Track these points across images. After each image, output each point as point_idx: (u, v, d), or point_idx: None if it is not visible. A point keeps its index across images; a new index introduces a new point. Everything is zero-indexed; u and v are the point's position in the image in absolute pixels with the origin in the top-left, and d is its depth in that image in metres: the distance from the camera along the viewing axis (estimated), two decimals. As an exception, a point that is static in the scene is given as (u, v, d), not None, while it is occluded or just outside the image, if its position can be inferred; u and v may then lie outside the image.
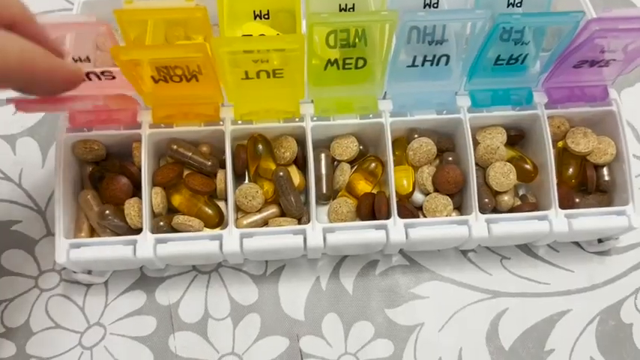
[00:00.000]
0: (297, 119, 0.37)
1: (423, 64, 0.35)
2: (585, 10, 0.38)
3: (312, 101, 0.37)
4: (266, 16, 0.35)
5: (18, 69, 0.24)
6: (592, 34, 0.31)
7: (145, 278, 0.39)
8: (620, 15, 0.32)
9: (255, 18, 0.35)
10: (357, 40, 0.33)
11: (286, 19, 0.37)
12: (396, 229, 0.35)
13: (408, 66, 0.35)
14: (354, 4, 0.36)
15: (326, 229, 0.35)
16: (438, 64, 0.35)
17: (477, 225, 0.36)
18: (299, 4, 0.34)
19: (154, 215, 0.36)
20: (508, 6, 0.35)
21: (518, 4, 0.35)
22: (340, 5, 0.36)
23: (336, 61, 0.34)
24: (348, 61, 0.34)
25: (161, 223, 0.36)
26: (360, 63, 0.34)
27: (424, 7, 0.36)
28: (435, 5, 0.35)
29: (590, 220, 0.36)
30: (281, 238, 0.35)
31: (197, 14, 0.29)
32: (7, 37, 0.24)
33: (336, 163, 0.39)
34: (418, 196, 0.38)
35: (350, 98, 0.37)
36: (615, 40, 0.32)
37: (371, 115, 0.38)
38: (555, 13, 0.34)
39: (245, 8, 0.36)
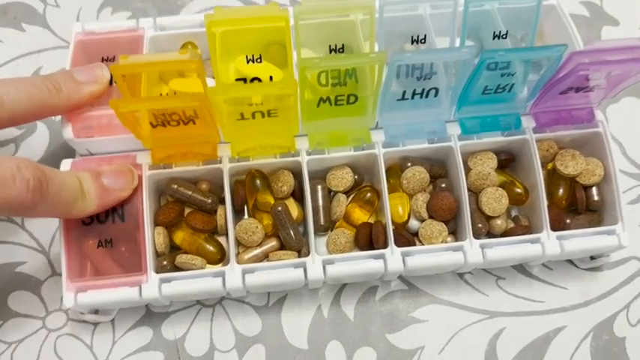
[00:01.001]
0: (292, 153, 0.38)
1: (412, 97, 0.36)
2: (572, 36, 0.39)
3: (307, 135, 0.38)
4: (258, 60, 0.36)
5: None
6: (576, 66, 0.32)
7: (150, 314, 0.39)
8: (602, 47, 0.33)
9: (247, 62, 0.36)
10: (347, 78, 0.34)
11: (278, 52, 0.37)
12: (393, 258, 0.36)
13: (399, 99, 0.36)
14: (343, 45, 0.37)
15: (325, 261, 0.36)
16: (427, 97, 0.36)
17: (472, 251, 0.37)
18: (289, 37, 0.34)
19: (157, 255, 0.37)
20: (494, 38, 0.36)
21: (504, 36, 0.36)
22: (330, 46, 0.36)
23: (328, 98, 0.35)
24: (339, 98, 0.35)
25: (164, 263, 0.36)
26: (352, 99, 0.35)
27: (412, 42, 0.37)
28: (423, 40, 0.36)
29: (581, 240, 0.37)
30: (282, 272, 0.36)
31: (191, 66, 0.30)
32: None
33: (332, 193, 0.40)
34: (414, 223, 0.39)
35: (343, 131, 0.38)
36: (597, 72, 0.33)
37: (364, 146, 0.39)
38: (539, 47, 0.35)
39: (237, 44, 0.36)
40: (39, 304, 0.40)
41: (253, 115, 0.34)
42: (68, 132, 0.36)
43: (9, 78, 0.33)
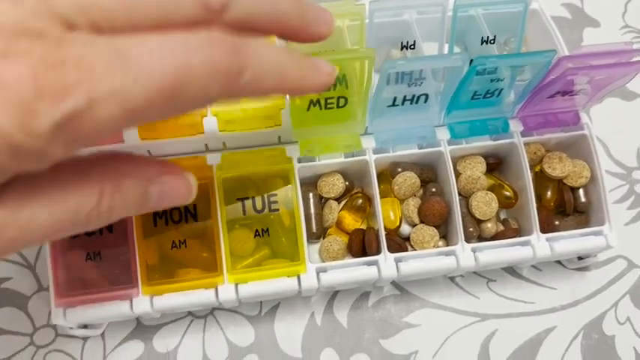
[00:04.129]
0: (282, 163, 0.38)
1: (402, 103, 0.36)
2: (555, 40, 0.40)
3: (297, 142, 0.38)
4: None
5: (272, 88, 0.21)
6: (564, 71, 0.33)
7: (141, 327, 0.39)
8: (589, 52, 0.33)
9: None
10: (338, 84, 0.34)
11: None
12: (386, 264, 0.36)
13: (389, 105, 0.36)
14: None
15: (319, 269, 0.36)
16: (417, 102, 0.36)
17: (464, 255, 0.37)
18: None
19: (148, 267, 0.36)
20: (482, 43, 0.37)
21: (492, 41, 0.36)
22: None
23: (318, 100, 0.35)
24: (330, 101, 0.35)
25: (156, 275, 0.36)
26: (342, 102, 0.35)
27: (401, 48, 0.37)
28: (412, 46, 0.36)
29: (570, 242, 0.38)
30: (275, 282, 0.36)
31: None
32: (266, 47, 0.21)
33: (323, 200, 0.40)
34: (405, 228, 0.40)
35: (333, 138, 0.38)
36: (584, 76, 0.33)
37: (354, 153, 0.39)
38: (528, 53, 0.35)
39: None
40: (26, 320, 0.39)
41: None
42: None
43: None
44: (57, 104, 0.16)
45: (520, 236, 0.38)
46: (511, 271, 0.42)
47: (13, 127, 0.16)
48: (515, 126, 0.39)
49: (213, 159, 0.37)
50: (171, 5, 0.19)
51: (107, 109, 0.17)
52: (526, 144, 0.39)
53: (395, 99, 0.35)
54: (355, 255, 0.38)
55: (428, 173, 0.40)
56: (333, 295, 0.40)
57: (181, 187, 0.25)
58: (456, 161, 0.40)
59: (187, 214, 0.37)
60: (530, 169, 0.39)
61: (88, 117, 0.17)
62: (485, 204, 0.39)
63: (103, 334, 0.39)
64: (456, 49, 0.40)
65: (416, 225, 0.39)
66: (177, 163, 0.25)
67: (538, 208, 0.38)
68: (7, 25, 0.17)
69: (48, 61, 0.17)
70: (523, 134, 0.39)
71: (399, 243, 0.38)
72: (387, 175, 0.40)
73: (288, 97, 0.35)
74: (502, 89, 0.36)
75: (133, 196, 0.23)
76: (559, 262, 0.42)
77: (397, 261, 0.36)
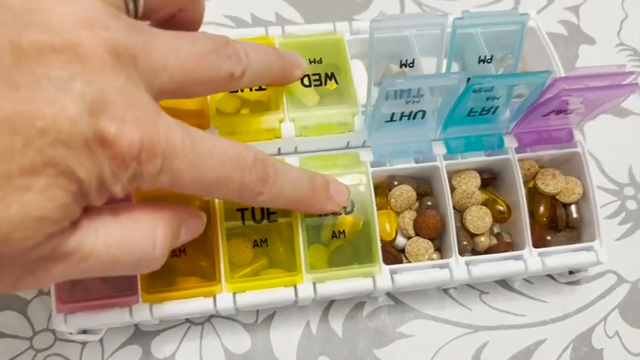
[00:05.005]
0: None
1: (400, 119, 0.37)
2: (551, 58, 0.40)
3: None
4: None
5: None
6: (559, 92, 0.34)
7: (139, 333, 0.40)
8: (583, 73, 0.34)
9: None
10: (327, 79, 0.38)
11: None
12: (382, 276, 0.37)
13: (387, 121, 0.37)
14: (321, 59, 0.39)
15: (316, 280, 0.37)
16: (414, 118, 0.37)
17: (458, 268, 0.38)
18: None
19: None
20: (480, 62, 0.37)
21: (489, 60, 0.37)
22: (309, 59, 0.39)
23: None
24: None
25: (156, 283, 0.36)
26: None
27: (400, 66, 0.38)
28: (411, 65, 0.37)
29: (561, 257, 0.39)
30: (272, 292, 0.36)
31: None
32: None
33: (321, 211, 0.41)
34: (400, 240, 0.40)
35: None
36: (579, 97, 0.34)
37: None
38: (524, 74, 0.36)
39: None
40: (25, 324, 0.39)
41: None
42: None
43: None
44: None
45: (513, 250, 0.39)
46: (503, 283, 0.43)
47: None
48: (510, 142, 0.40)
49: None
50: (212, 77, 0.27)
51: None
52: (520, 160, 0.40)
53: (393, 115, 0.36)
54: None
55: (424, 187, 0.41)
56: (329, 304, 0.41)
57: (199, 226, 0.31)
58: (451, 175, 0.41)
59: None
60: (524, 184, 0.40)
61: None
62: (479, 218, 0.39)
63: (101, 339, 0.39)
64: (455, 66, 0.41)
65: (411, 237, 0.40)
66: None
67: (531, 224, 0.39)
68: None
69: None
70: (517, 150, 0.40)
71: (394, 254, 0.39)
72: (383, 187, 0.41)
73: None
74: (498, 107, 0.37)
75: (172, 238, 0.27)
76: (550, 275, 0.43)
77: (392, 273, 0.37)
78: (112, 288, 0.36)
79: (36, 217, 0.19)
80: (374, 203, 0.38)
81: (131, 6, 0.25)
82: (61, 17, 0.20)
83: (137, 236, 0.25)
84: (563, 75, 0.40)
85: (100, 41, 0.21)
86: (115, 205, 0.24)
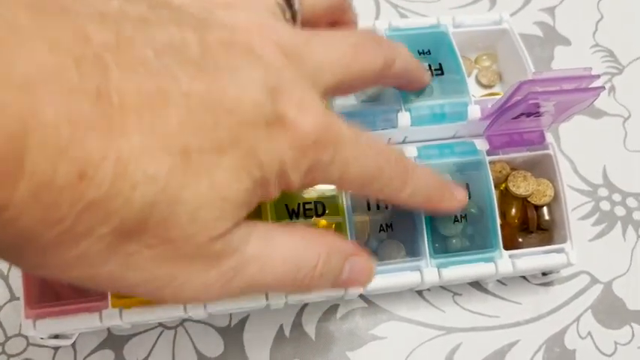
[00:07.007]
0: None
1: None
2: (524, 63, 0.41)
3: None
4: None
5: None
6: (526, 95, 0.34)
7: (112, 337, 0.40)
8: (549, 76, 0.34)
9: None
10: None
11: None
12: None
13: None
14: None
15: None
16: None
17: (428, 271, 0.38)
18: None
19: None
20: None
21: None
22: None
23: None
24: None
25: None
26: None
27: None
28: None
29: (532, 259, 0.39)
30: (246, 300, 0.36)
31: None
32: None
33: (293, 215, 0.41)
34: (372, 243, 0.40)
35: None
36: (547, 100, 0.34)
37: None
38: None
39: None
40: (-2, 329, 0.39)
41: None
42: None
43: None
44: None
45: (484, 252, 0.39)
46: (477, 285, 0.43)
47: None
48: (482, 145, 0.40)
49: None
50: (369, 68, 0.27)
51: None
52: (491, 162, 0.40)
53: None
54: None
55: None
56: (302, 307, 0.41)
57: (366, 271, 0.27)
58: (423, 178, 0.41)
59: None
60: (495, 187, 0.40)
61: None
62: (450, 220, 0.39)
63: (74, 344, 0.39)
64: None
65: (383, 241, 0.40)
66: None
67: (502, 225, 0.39)
68: None
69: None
70: (489, 153, 0.40)
71: (366, 258, 0.39)
72: (356, 190, 0.41)
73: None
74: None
75: (335, 268, 0.25)
76: (524, 277, 0.43)
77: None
78: (82, 293, 0.36)
79: (223, 197, 0.19)
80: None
81: (287, 16, 0.27)
82: (235, 21, 0.22)
83: (304, 254, 0.23)
84: (535, 78, 0.40)
85: (270, 41, 0.22)
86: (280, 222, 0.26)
